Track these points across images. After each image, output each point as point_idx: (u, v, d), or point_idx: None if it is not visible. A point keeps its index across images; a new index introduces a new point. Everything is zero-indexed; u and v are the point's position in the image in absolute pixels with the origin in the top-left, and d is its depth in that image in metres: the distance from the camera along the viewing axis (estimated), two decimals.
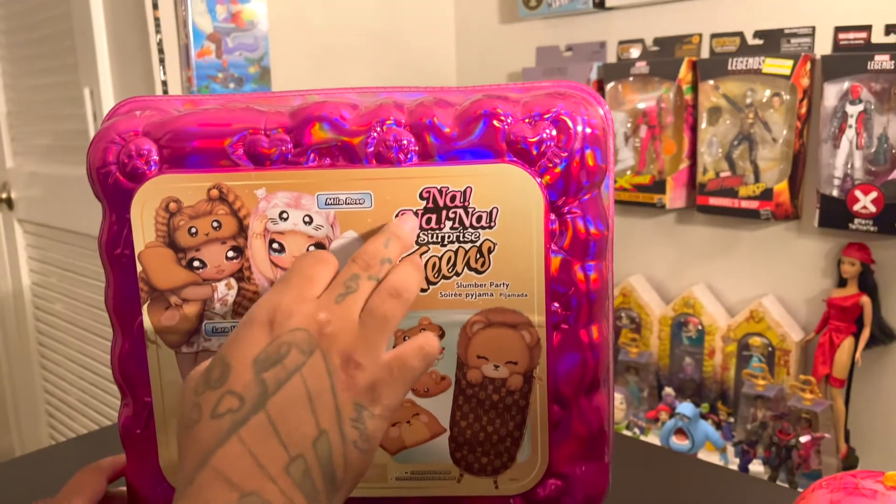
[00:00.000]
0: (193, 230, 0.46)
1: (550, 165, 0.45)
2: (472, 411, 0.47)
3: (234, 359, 0.35)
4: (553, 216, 0.45)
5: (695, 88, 1.17)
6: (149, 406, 0.48)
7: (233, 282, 0.46)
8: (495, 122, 0.44)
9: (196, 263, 0.46)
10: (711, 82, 1.14)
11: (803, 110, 1.07)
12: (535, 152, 0.44)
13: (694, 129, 1.18)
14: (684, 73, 1.17)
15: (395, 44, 1.45)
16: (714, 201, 1.16)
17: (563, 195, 0.45)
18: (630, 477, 0.57)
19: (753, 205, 1.12)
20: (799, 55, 1.05)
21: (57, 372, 1.68)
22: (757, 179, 1.12)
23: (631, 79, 1.23)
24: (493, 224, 0.45)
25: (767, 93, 1.09)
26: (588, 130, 0.45)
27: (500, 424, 0.47)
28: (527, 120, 0.45)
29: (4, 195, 1.64)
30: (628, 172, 1.25)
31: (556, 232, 0.45)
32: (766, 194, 1.10)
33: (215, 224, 0.46)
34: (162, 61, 1.09)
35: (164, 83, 1.09)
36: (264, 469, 0.32)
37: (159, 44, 1.08)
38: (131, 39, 1.14)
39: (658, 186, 1.21)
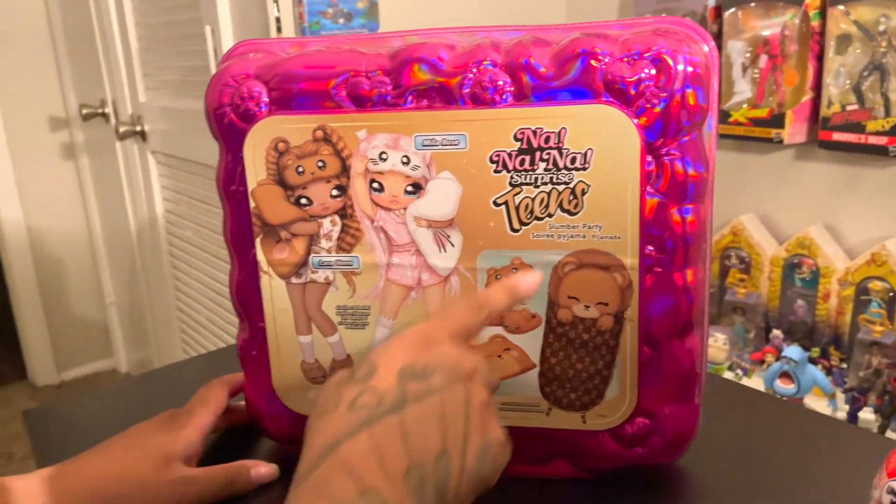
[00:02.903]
0: (300, 169, 0.49)
1: (649, 106, 0.44)
2: (562, 349, 0.49)
3: (381, 363, 0.37)
4: (649, 158, 0.45)
5: (823, 14, 1.08)
6: (262, 330, 0.53)
7: (337, 218, 0.49)
8: (592, 62, 0.44)
9: (303, 200, 0.49)
10: (842, 7, 1.05)
11: None
12: (632, 92, 0.44)
13: (819, 59, 1.10)
14: None
15: None
16: (838, 136, 1.08)
17: (661, 136, 0.44)
18: (727, 421, 0.57)
19: (882, 140, 1.04)
20: None
21: (188, 292, 1.81)
22: (888, 113, 1.03)
23: (752, 4, 1.15)
24: (587, 165, 0.45)
25: None
26: (689, 69, 0.44)
27: (590, 362, 0.48)
28: (625, 59, 0.44)
29: (139, 128, 1.76)
30: (745, 105, 1.19)
31: (653, 174, 0.45)
32: None
33: (320, 164, 0.48)
34: None
35: (278, 20, 1.13)
36: (386, 469, 0.33)
37: None
38: None
39: (776, 120, 1.15)
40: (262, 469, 0.52)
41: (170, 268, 1.86)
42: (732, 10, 1.18)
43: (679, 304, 0.47)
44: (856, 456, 0.53)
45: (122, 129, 1.75)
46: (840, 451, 0.55)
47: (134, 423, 0.52)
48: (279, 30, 1.13)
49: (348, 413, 0.35)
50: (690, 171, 0.45)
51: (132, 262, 2.10)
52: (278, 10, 1.13)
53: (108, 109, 1.93)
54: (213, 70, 1.30)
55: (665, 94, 0.44)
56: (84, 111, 1.96)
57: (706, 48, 0.46)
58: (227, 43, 1.27)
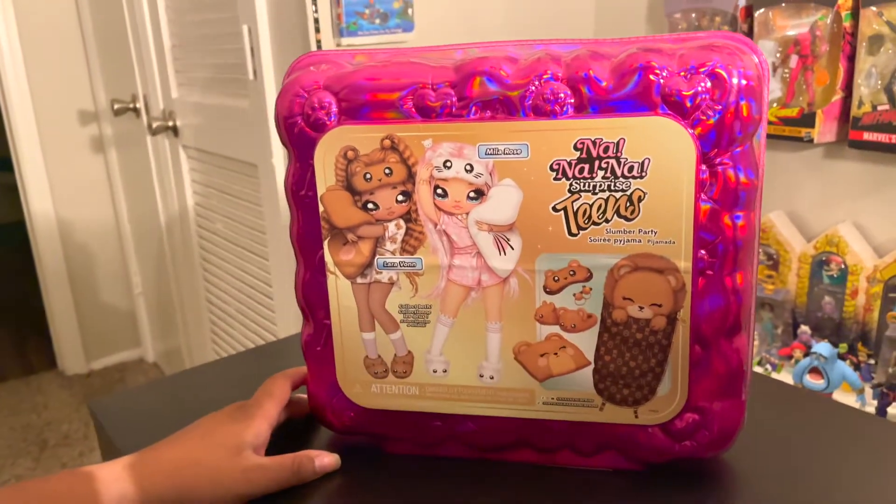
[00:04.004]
0: (368, 176, 0.51)
1: (704, 118, 0.46)
2: (616, 347, 0.51)
3: None
4: (704, 167, 0.47)
5: (855, 15, 1.09)
6: (327, 327, 0.55)
7: (401, 222, 0.52)
8: (651, 76, 0.46)
9: (370, 205, 0.52)
10: (874, 8, 1.07)
11: None
12: (689, 105, 0.46)
13: (851, 59, 1.11)
14: None
15: None
16: (868, 136, 1.10)
17: (715, 146, 0.46)
18: (760, 414, 0.59)
19: None
20: None
21: (218, 284, 1.84)
22: None
23: (783, 4, 1.16)
24: (644, 174, 0.47)
25: None
26: (744, 82, 0.46)
27: (643, 360, 0.50)
28: (682, 73, 0.46)
29: (171, 123, 1.79)
30: (774, 104, 1.20)
31: (707, 182, 0.47)
32: None
33: (387, 171, 0.51)
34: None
35: (316, 20, 1.15)
36: None
37: None
38: None
39: (807, 119, 1.16)
40: (325, 459, 0.55)
41: (199, 259, 1.90)
42: (763, 10, 1.20)
43: (728, 306, 0.49)
44: (887, 447, 0.56)
45: (154, 125, 1.78)
46: (872, 444, 0.57)
47: (196, 415, 0.55)
48: (317, 30, 1.15)
49: None
50: (742, 179, 0.47)
51: (160, 254, 2.14)
52: (316, 11, 1.15)
53: (140, 105, 1.96)
54: (250, 68, 1.33)
55: (720, 107, 0.46)
56: (115, 106, 2.00)
57: (756, 60, 0.47)
58: (265, 42, 1.29)
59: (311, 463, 0.54)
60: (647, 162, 0.47)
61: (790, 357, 1.16)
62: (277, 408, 0.56)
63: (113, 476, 0.49)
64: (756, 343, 1.19)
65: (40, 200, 2.31)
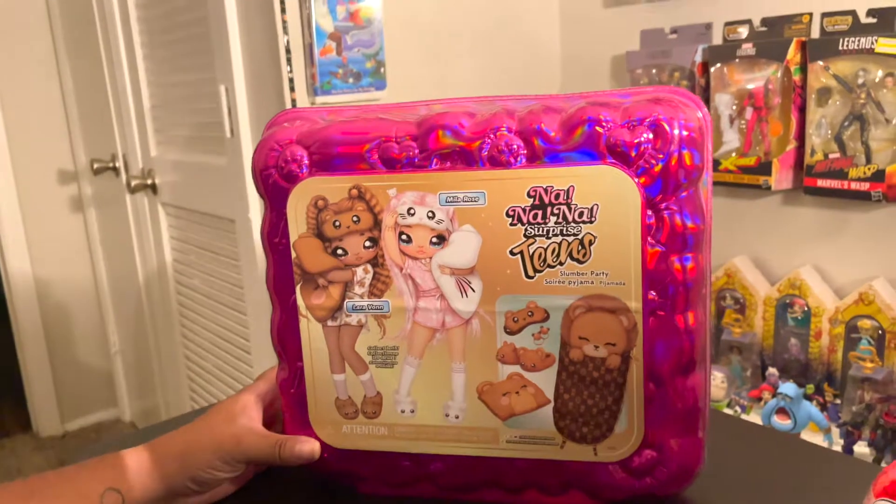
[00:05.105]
0: (337, 223, 0.54)
1: (648, 166, 0.49)
2: (574, 386, 0.53)
3: None
4: (650, 212, 0.50)
5: (804, 69, 1.16)
6: (300, 369, 0.57)
7: (369, 267, 0.54)
8: (597, 128, 0.49)
9: (339, 251, 0.54)
10: (821, 63, 1.13)
11: None
12: (633, 154, 0.49)
13: (802, 111, 1.17)
14: (793, 53, 1.15)
15: (501, 29, 1.49)
16: (822, 183, 1.14)
17: (660, 193, 0.49)
18: (728, 453, 0.60)
19: (864, 186, 1.10)
20: None
21: (196, 340, 1.84)
22: (868, 161, 1.10)
23: (737, 60, 1.22)
24: (593, 219, 0.50)
25: (880, 73, 1.07)
26: (685, 133, 0.49)
27: (600, 398, 0.52)
28: (626, 125, 0.49)
29: (150, 181, 1.81)
30: (733, 154, 1.25)
31: (654, 226, 0.50)
32: (878, 175, 1.08)
33: (355, 218, 0.54)
34: (289, 60, 1.18)
35: (291, 80, 1.19)
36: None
37: (287, 44, 1.18)
38: (262, 41, 1.24)
39: (764, 168, 1.21)
40: (304, 446, 0.56)
41: (178, 316, 1.90)
42: (718, 65, 1.26)
43: (681, 345, 0.51)
44: (850, 483, 0.57)
45: (133, 183, 1.80)
46: (836, 480, 0.58)
47: None
48: (292, 89, 1.19)
49: None
50: (689, 224, 0.50)
51: (139, 312, 2.13)
52: (291, 72, 1.19)
53: (119, 164, 1.99)
54: (227, 126, 1.37)
55: (662, 156, 0.49)
56: (95, 165, 2.02)
57: (700, 114, 0.51)
58: (241, 101, 1.33)
59: (292, 446, 0.56)
60: (595, 208, 0.50)
61: (759, 399, 1.18)
62: (267, 386, 0.60)
63: (136, 449, 0.56)
64: (725, 386, 1.21)
65: (18, 260, 2.31)
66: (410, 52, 1.33)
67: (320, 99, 1.18)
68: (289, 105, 1.17)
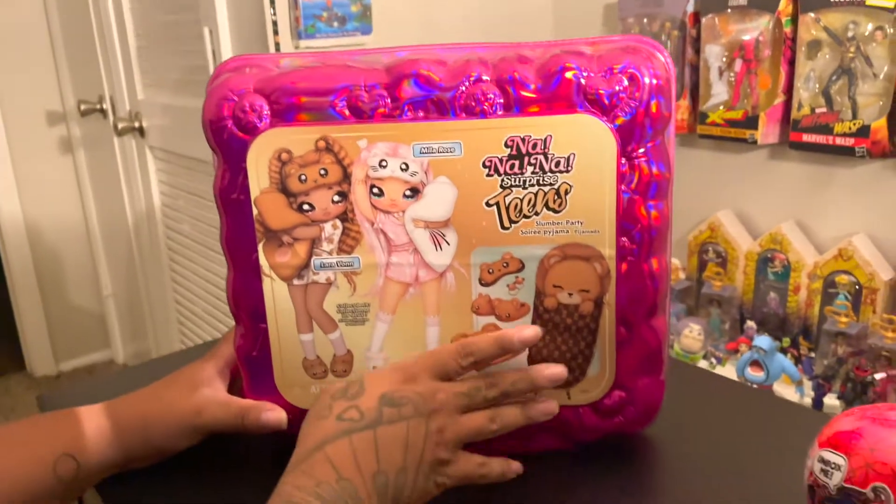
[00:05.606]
0: (303, 177, 0.51)
1: (622, 115, 0.49)
2: (549, 333, 0.53)
3: (368, 387, 0.47)
4: (623, 160, 0.50)
5: (794, 21, 1.15)
6: (263, 332, 0.55)
7: (338, 222, 0.52)
8: (574, 77, 0.49)
9: (306, 207, 0.52)
10: (812, 14, 1.12)
11: None
12: (608, 103, 0.49)
13: (791, 64, 1.16)
14: (784, 4, 1.14)
15: None
16: (808, 138, 1.15)
17: (632, 141, 0.50)
18: (687, 402, 0.63)
19: (849, 142, 1.10)
20: None
21: (185, 284, 1.85)
22: (854, 116, 1.10)
23: (729, 11, 1.21)
24: (569, 168, 0.50)
25: (870, 26, 1.06)
26: (655, 82, 0.49)
27: (573, 344, 0.54)
28: (601, 74, 0.50)
29: (137, 124, 1.80)
30: (721, 107, 1.25)
31: (626, 174, 0.51)
32: (863, 131, 1.09)
33: (322, 172, 0.51)
34: (272, 3, 1.16)
35: (275, 23, 1.17)
36: (360, 468, 0.43)
37: None
38: None
39: (751, 122, 1.21)
40: (270, 414, 0.54)
41: (167, 260, 1.91)
42: (710, 15, 1.24)
43: (649, 289, 0.53)
44: (804, 432, 0.60)
45: (120, 126, 1.79)
46: (784, 427, 0.61)
47: None
48: (276, 32, 1.18)
49: (336, 422, 0.45)
50: (655, 171, 0.51)
51: (129, 255, 2.14)
52: (275, 14, 1.18)
53: (106, 106, 1.97)
54: (212, 69, 1.35)
55: (635, 104, 0.49)
56: (82, 107, 2.00)
57: (664, 60, 0.51)
58: (225, 44, 1.31)
59: (258, 413, 0.54)
60: (572, 157, 0.50)
61: (737, 351, 1.21)
62: (231, 349, 0.57)
63: (91, 413, 0.54)
64: (701, 338, 1.23)
65: (8, 201, 2.30)
66: None
67: (304, 43, 1.16)
68: (272, 49, 1.15)
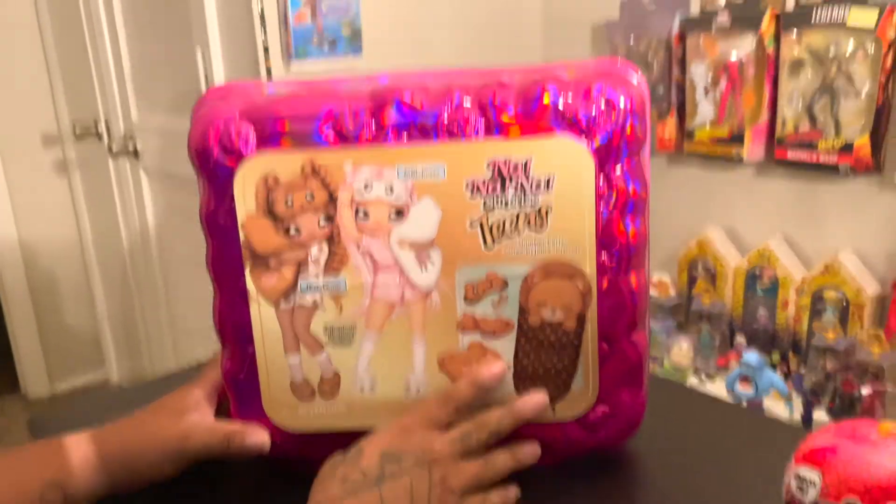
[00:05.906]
0: (290, 202, 0.52)
1: (599, 137, 0.51)
2: (533, 350, 0.54)
3: (367, 447, 0.49)
4: (601, 180, 0.51)
5: (777, 41, 1.17)
6: (250, 355, 0.55)
7: (324, 245, 0.53)
8: (550, 101, 0.51)
9: (292, 230, 0.52)
10: (794, 35, 1.14)
11: (888, 63, 1.06)
12: (585, 126, 0.51)
13: (775, 82, 1.18)
14: (767, 25, 1.16)
15: None
16: (792, 155, 1.16)
17: (609, 162, 0.51)
18: (665, 418, 0.63)
19: (832, 159, 1.12)
20: (885, 6, 1.04)
21: (180, 305, 1.86)
22: (837, 133, 1.12)
23: (713, 31, 1.23)
24: (550, 189, 0.51)
25: (851, 46, 1.08)
26: (630, 104, 0.51)
27: (557, 360, 0.54)
28: (578, 97, 0.51)
29: (131, 146, 1.81)
30: (707, 125, 1.27)
31: (604, 194, 0.52)
32: (847, 148, 1.10)
33: (309, 196, 0.52)
34: (264, 26, 1.18)
35: (266, 48, 1.19)
36: None
37: (261, 11, 1.17)
38: (237, 5, 1.24)
39: (736, 139, 1.22)
40: (254, 437, 0.54)
41: (161, 281, 1.91)
42: (695, 35, 1.26)
43: (628, 304, 0.54)
44: (780, 447, 0.60)
45: (115, 148, 1.80)
46: (765, 444, 0.61)
47: None
48: (267, 56, 1.19)
49: (341, 485, 0.47)
50: (633, 190, 0.52)
51: (124, 275, 2.14)
52: (266, 38, 1.19)
53: (101, 128, 1.98)
54: (204, 91, 1.36)
55: (612, 126, 0.51)
56: (77, 130, 2.01)
57: (638, 82, 0.53)
58: (217, 67, 1.33)
59: (242, 438, 0.54)
60: (552, 178, 0.51)
61: (727, 367, 1.21)
62: (218, 373, 0.57)
63: (78, 442, 0.54)
64: (691, 355, 1.24)
65: (3, 222, 2.31)
66: (387, 18, 1.32)
67: (295, 65, 1.18)
68: (263, 72, 1.17)
